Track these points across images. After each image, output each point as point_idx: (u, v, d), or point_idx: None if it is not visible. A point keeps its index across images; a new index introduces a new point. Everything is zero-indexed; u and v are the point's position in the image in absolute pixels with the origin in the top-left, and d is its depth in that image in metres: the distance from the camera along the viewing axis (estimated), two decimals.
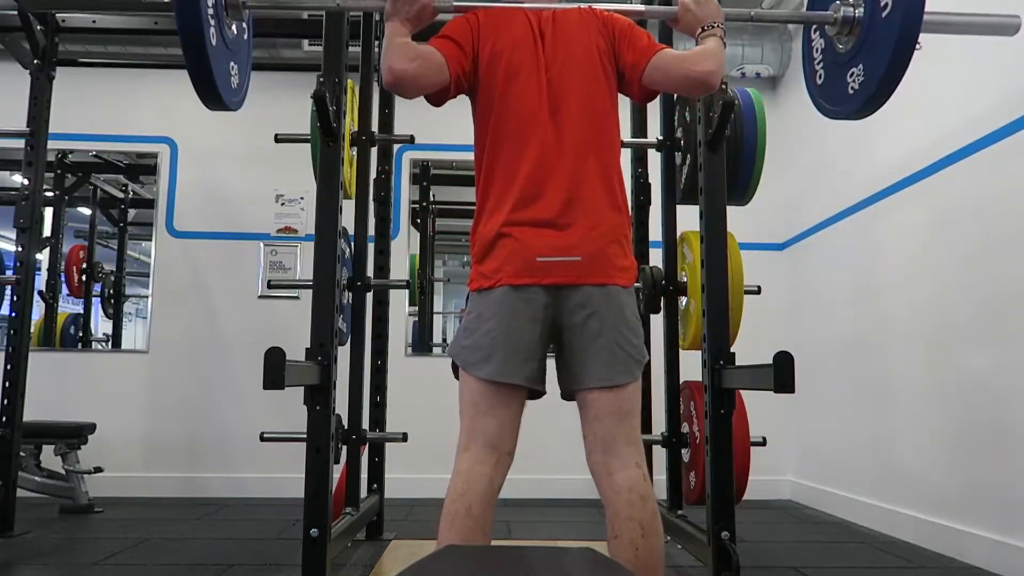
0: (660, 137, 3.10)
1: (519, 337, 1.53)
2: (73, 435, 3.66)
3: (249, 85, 2.04)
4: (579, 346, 1.54)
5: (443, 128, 3.62)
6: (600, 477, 1.53)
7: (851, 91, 1.90)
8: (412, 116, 3.42)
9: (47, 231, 4.74)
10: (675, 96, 3.03)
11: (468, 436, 1.55)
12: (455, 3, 1.72)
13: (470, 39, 1.63)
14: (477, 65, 1.63)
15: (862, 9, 1.85)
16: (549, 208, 1.55)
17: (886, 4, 1.76)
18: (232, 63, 1.88)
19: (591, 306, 1.53)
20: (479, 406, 1.55)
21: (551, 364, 1.60)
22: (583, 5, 1.71)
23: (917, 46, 1.73)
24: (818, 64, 2.07)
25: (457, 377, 1.61)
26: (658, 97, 2.99)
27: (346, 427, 2.91)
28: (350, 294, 3.03)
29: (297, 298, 4.09)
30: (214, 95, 1.75)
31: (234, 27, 1.88)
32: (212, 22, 1.72)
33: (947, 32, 1.99)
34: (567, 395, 1.60)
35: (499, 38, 1.63)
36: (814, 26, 2.08)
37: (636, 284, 2.89)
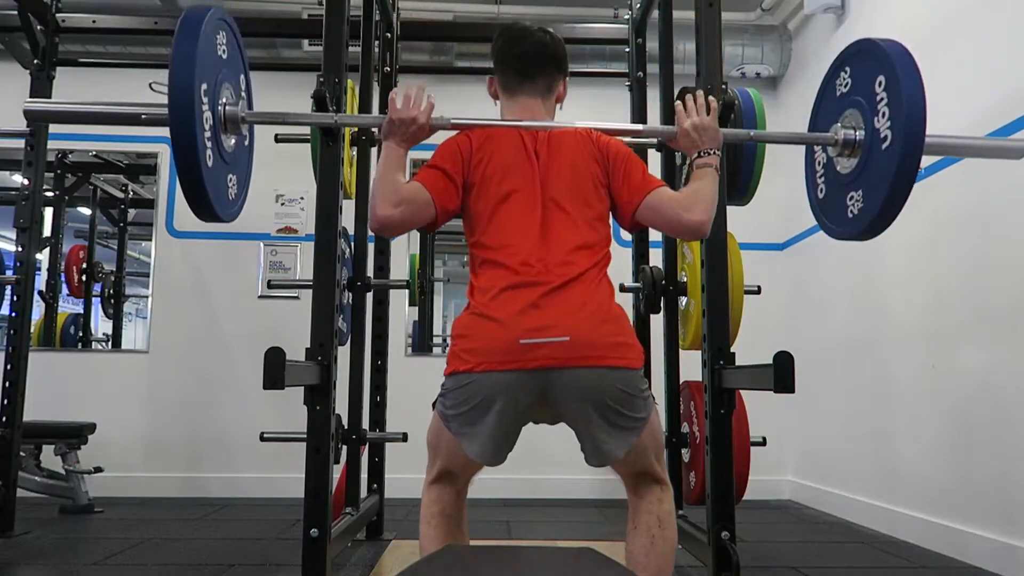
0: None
1: (501, 428, 1.53)
2: (73, 435, 3.66)
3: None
4: (578, 430, 1.57)
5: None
6: (628, 489, 1.68)
7: (850, 215, 1.86)
8: None
9: (47, 231, 4.74)
10: (675, 95, 3.03)
11: (438, 471, 1.64)
12: (452, 121, 1.71)
13: (460, 166, 1.63)
14: (469, 188, 1.64)
15: (863, 132, 1.80)
16: (534, 295, 1.51)
17: (886, 137, 1.71)
18: (230, 176, 1.80)
19: (580, 392, 1.49)
20: (451, 455, 1.61)
21: None
22: (579, 125, 1.71)
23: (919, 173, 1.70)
24: (819, 177, 2.02)
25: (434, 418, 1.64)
26: (658, 97, 3.02)
27: (346, 427, 2.91)
28: (350, 294, 3.03)
29: (297, 298, 4.09)
30: (208, 211, 1.69)
31: (233, 140, 1.79)
32: (208, 144, 1.64)
33: (947, 155, 1.97)
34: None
35: (493, 159, 1.64)
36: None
37: (636, 284, 2.92)
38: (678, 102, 1.76)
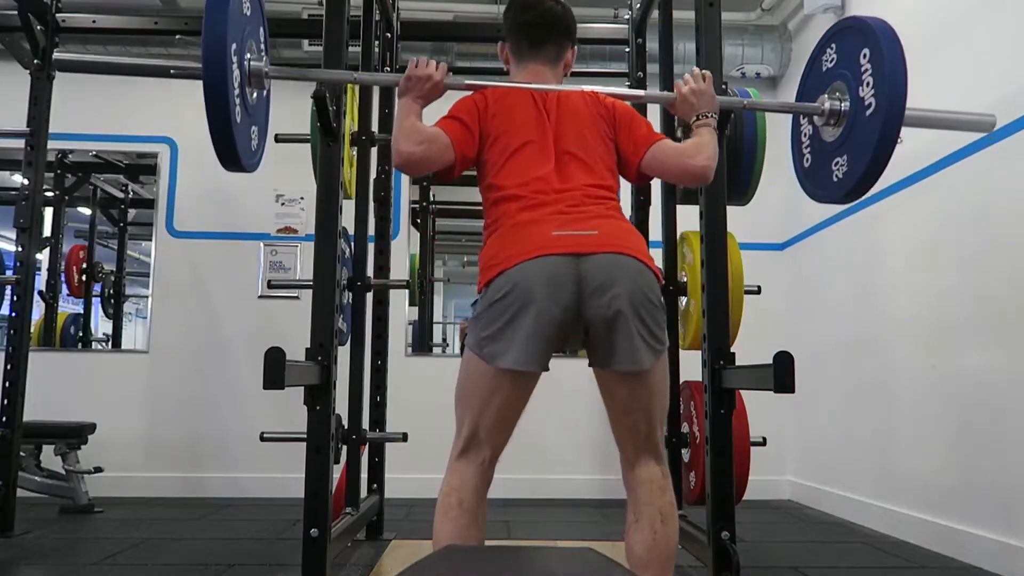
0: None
1: (541, 326, 1.49)
2: (73, 435, 3.66)
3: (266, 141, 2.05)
4: (609, 328, 1.52)
5: None
6: (625, 470, 1.65)
7: (835, 179, 1.99)
8: None
9: (47, 231, 4.74)
10: None
11: (467, 435, 1.58)
12: (466, 81, 1.79)
13: (476, 119, 1.69)
14: (484, 142, 1.69)
15: (848, 103, 1.92)
16: (557, 209, 1.59)
17: (870, 104, 1.83)
18: (253, 127, 1.89)
19: (616, 286, 1.50)
20: (490, 400, 1.55)
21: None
22: (586, 88, 1.78)
23: (899, 140, 1.81)
24: (805, 148, 2.16)
25: (462, 370, 1.61)
26: None
27: (346, 427, 2.91)
28: (350, 294, 3.03)
29: (297, 298, 4.09)
30: (236, 162, 1.78)
31: (255, 94, 1.87)
32: (237, 100, 1.72)
33: (928, 127, 2.07)
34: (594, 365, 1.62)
35: (507, 115, 1.70)
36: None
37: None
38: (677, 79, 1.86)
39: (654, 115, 3.22)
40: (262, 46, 1.91)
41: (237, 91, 1.72)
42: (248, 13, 1.80)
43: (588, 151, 1.68)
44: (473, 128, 1.67)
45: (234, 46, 1.68)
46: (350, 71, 2.26)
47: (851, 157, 1.91)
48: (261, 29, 1.92)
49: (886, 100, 1.78)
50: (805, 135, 2.16)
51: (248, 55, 1.79)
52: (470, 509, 1.54)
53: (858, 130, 1.88)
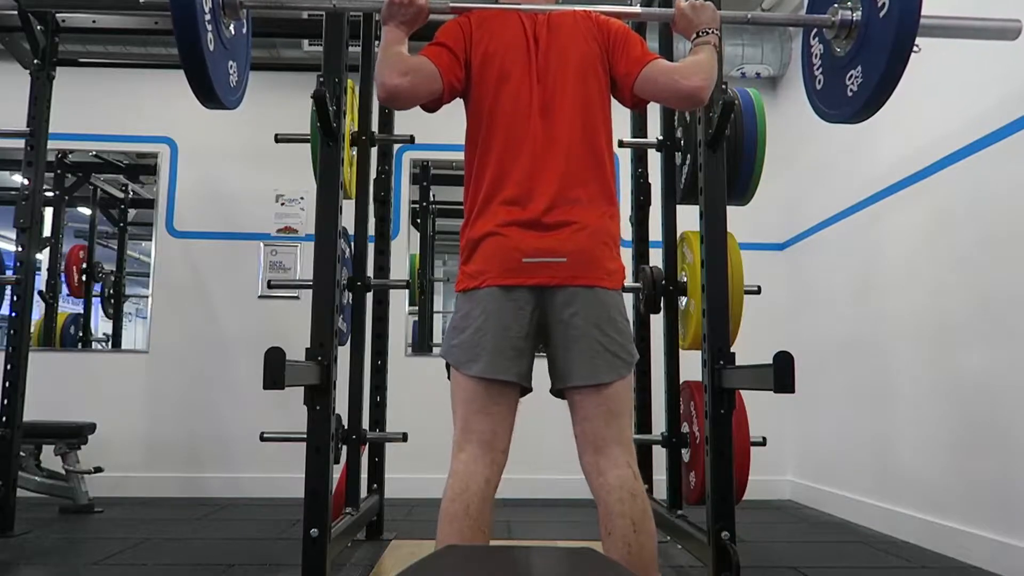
0: (660, 137, 3.10)
1: (506, 334, 1.54)
2: (73, 435, 3.66)
3: (248, 84, 2.04)
4: (563, 344, 1.55)
5: (443, 128, 3.58)
6: (591, 477, 1.57)
7: (849, 93, 1.89)
8: (412, 116, 3.34)
9: (47, 231, 4.74)
10: None
11: (463, 436, 1.56)
12: (451, 4, 1.72)
13: (462, 43, 1.64)
14: (470, 68, 1.64)
15: (860, 12, 1.84)
16: (536, 209, 1.56)
17: (883, 5, 1.75)
18: (231, 62, 1.87)
19: (575, 305, 1.54)
20: (471, 405, 1.56)
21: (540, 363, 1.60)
22: (578, 8, 1.71)
23: (915, 48, 1.72)
24: (817, 69, 2.06)
25: (450, 378, 1.62)
26: None
27: (346, 427, 2.91)
28: (350, 294, 3.03)
29: (297, 298, 4.09)
30: (212, 96, 1.75)
31: (232, 27, 1.86)
32: (209, 26, 1.70)
33: (945, 36, 1.97)
34: (556, 392, 1.61)
35: (492, 40, 1.64)
36: (813, 30, 2.07)
37: (636, 284, 2.92)
38: None
39: (653, 111, 3.23)
40: None
41: (209, 17, 1.70)
42: None
43: (575, 81, 1.62)
44: (459, 54, 1.62)
45: None
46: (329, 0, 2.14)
47: (866, 67, 1.81)
48: None
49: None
50: (816, 55, 2.05)
51: None
52: (475, 515, 1.48)
53: (872, 37, 1.79)
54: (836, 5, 1.90)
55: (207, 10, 1.69)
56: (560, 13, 1.69)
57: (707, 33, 1.68)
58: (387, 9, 1.62)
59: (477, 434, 1.55)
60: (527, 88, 1.62)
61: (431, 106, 1.64)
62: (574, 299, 1.54)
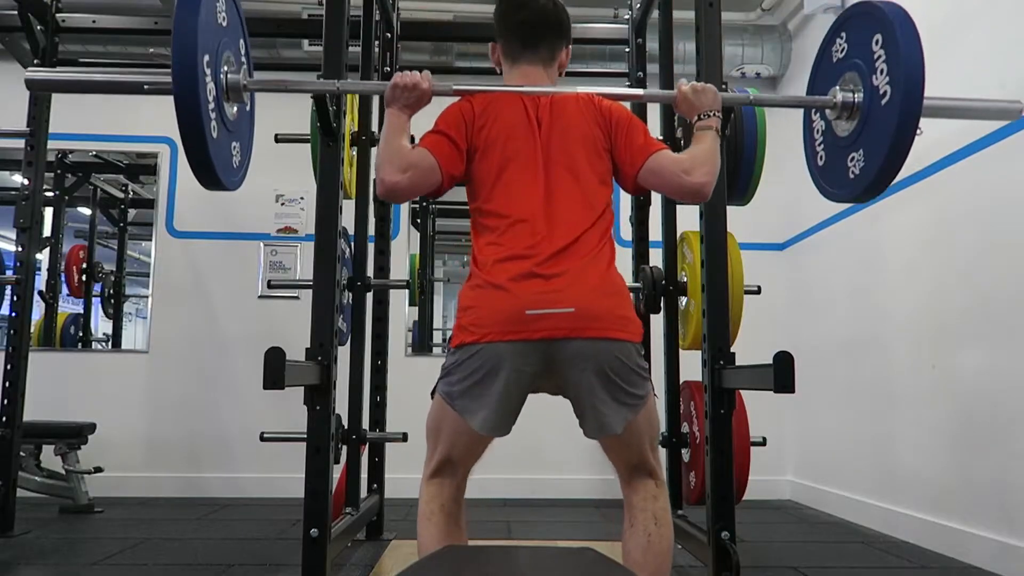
0: (660, 137, 3.09)
1: (507, 397, 1.52)
2: (73, 435, 3.66)
3: (251, 158, 2.00)
4: (579, 400, 1.56)
5: None
6: (621, 482, 1.67)
7: (851, 176, 1.88)
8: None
9: (47, 231, 4.74)
10: None
11: (440, 464, 1.60)
12: (454, 87, 1.73)
13: (463, 131, 1.64)
14: (472, 153, 1.64)
15: (861, 95, 1.83)
16: (538, 264, 1.53)
17: (885, 92, 1.74)
18: (234, 144, 1.82)
19: (583, 363, 1.50)
20: (456, 441, 1.58)
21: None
22: (581, 90, 1.71)
23: (918, 132, 1.70)
24: (819, 145, 2.04)
25: (433, 398, 1.62)
26: None
27: (346, 427, 2.91)
28: (350, 294, 3.03)
29: (297, 298, 4.09)
30: (214, 180, 1.71)
31: (235, 108, 1.80)
32: (213, 114, 1.65)
33: (947, 117, 1.95)
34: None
35: (496, 123, 1.64)
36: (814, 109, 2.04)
37: (636, 284, 2.92)
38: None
39: (654, 122, 3.23)
40: (242, 58, 1.84)
41: (212, 105, 1.65)
42: (224, 23, 1.72)
43: (578, 165, 1.62)
44: (460, 143, 1.62)
45: (207, 58, 1.61)
46: (332, 80, 2.16)
47: (867, 151, 1.81)
48: (241, 40, 1.85)
49: (902, 87, 1.68)
50: (817, 131, 2.04)
51: (225, 67, 1.72)
52: (452, 512, 1.58)
53: (874, 122, 1.78)
54: (837, 87, 1.88)
55: (211, 98, 1.64)
56: (563, 96, 1.69)
57: (709, 116, 1.68)
58: (391, 92, 1.64)
59: (455, 464, 1.60)
60: (532, 169, 1.61)
61: (431, 195, 1.65)
62: (584, 349, 1.50)
